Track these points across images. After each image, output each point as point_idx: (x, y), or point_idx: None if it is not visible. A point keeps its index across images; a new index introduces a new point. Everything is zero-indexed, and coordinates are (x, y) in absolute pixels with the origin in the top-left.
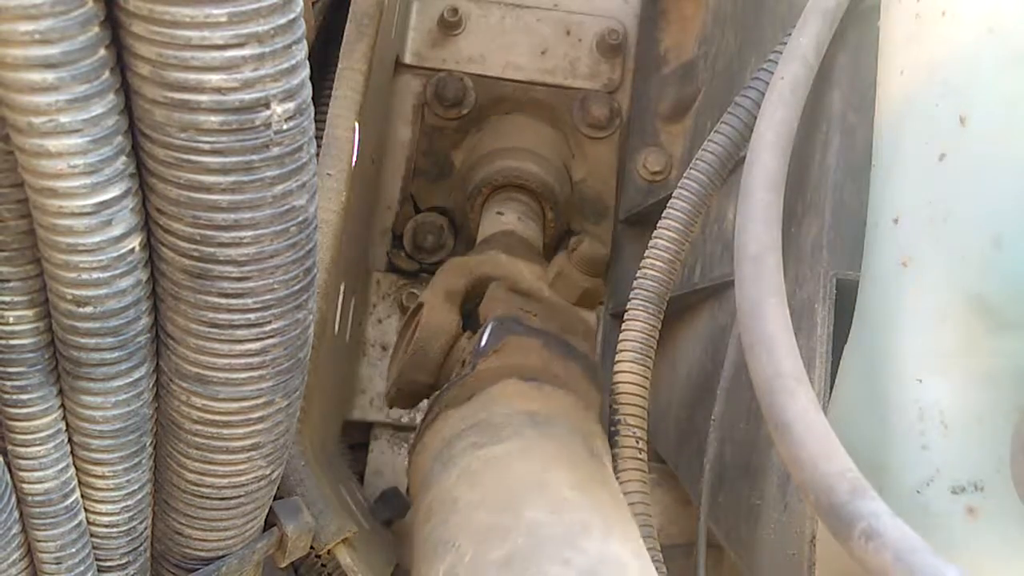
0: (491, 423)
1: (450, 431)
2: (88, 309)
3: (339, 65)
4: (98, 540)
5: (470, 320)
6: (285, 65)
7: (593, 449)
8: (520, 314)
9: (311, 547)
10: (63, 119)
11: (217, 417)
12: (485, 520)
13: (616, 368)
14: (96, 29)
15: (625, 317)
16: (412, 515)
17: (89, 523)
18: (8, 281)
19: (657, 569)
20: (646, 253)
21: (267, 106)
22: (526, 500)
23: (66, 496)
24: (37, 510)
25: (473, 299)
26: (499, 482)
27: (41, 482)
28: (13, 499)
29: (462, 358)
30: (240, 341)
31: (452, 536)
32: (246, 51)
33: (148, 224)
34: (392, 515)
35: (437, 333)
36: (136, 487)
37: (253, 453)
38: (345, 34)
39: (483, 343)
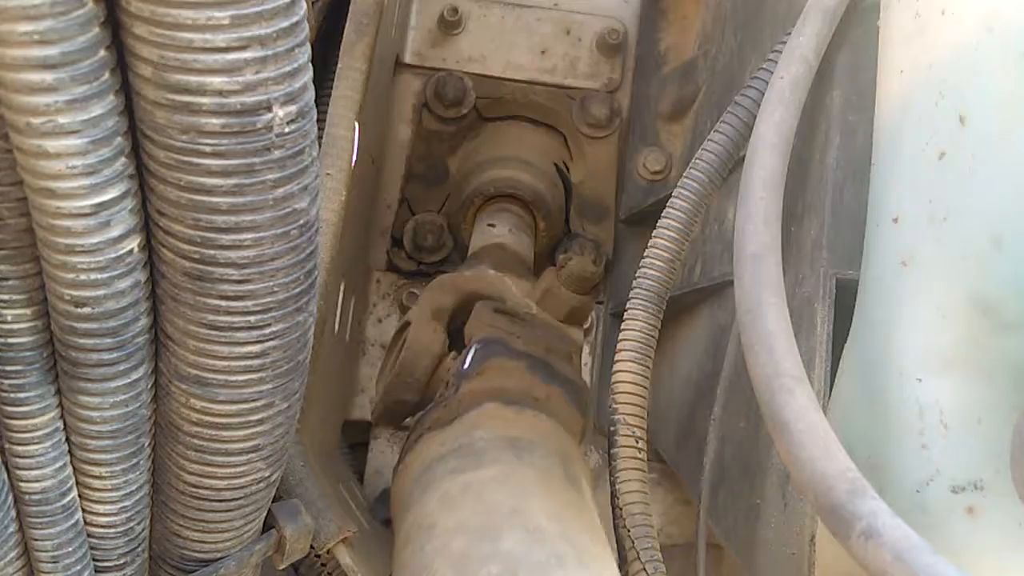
0: (472, 448)
1: (431, 454)
2: (86, 310)
3: (339, 64)
4: (95, 540)
5: (457, 338)
6: (287, 68)
7: (571, 475)
8: (505, 336)
9: (311, 547)
10: (62, 120)
11: (216, 419)
12: (462, 548)
13: (616, 368)
14: (96, 30)
15: (625, 317)
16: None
17: (86, 523)
18: (7, 279)
19: (657, 569)
20: (646, 253)
21: (269, 109)
22: (503, 529)
23: (63, 495)
24: (34, 509)
25: (461, 317)
26: (477, 509)
27: (38, 481)
28: (10, 498)
29: (447, 378)
30: (240, 343)
31: (429, 562)
32: (248, 54)
33: (148, 225)
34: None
35: (422, 353)
36: (134, 488)
37: (252, 455)
38: (345, 33)
39: (466, 365)
